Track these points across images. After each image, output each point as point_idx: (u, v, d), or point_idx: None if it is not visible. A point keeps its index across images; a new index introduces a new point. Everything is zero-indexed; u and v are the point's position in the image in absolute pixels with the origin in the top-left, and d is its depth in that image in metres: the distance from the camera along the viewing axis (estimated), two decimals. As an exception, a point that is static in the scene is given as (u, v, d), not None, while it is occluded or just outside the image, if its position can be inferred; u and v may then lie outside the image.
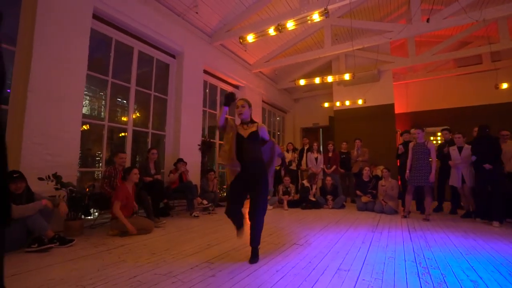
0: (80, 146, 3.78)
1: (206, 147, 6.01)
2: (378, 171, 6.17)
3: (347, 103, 8.24)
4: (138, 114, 5.36)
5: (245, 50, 7.15)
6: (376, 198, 5.53)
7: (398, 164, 5.72)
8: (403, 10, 7.53)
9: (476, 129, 4.81)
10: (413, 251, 2.72)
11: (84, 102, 3.94)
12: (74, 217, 3.28)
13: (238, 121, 2.60)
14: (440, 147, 5.33)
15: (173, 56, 5.62)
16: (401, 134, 5.88)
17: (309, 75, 8.58)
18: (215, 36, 6.17)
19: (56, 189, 3.13)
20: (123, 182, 3.52)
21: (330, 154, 6.57)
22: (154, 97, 5.23)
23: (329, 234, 3.40)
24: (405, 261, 2.41)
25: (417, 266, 2.29)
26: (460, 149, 4.78)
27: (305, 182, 6.05)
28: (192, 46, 5.74)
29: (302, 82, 7.06)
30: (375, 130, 7.98)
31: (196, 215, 4.52)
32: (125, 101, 5.07)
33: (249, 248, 2.42)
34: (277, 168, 6.76)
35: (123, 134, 4.99)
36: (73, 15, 3.62)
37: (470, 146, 4.55)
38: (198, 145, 5.85)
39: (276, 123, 10.31)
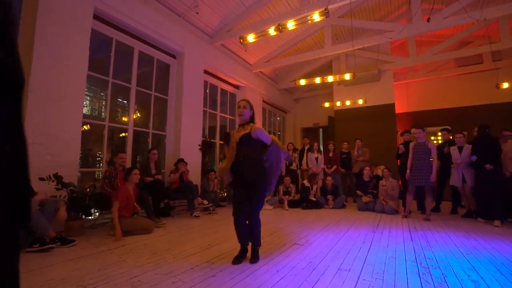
0: (80, 146, 3.78)
1: (207, 147, 6.01)
2: (379, 171, 6.17)
3: (348, 103, 8.23)
4: (138, 114, 5.37)
5: (246, 50, 7.14)
6: (376, 198, 5.52)
7: (399, 164, 5.71)
8: (404, 9, 7.52)
9: (476, 129, 4.81)
10: (414, 251, 2.72)
11: (84, 102, 3.94)
12: (75, 217, 3.29)
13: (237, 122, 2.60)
14: (439, 147, 5.33)
15: (174, 56, 5.62)
16: (402, 134, 5.88)
17: (309, 75, 8.57)
18: (215, 36, 6.17)
19: (57, 189, 3.14)
20: (124, 183, 3.52)
21: (330, 154, 6.56)
22: (154, 97, 5.23)
23: (329, 234, 3.40)
24: (406, 261, 2.41)
25: (418, 266, 2.28)
26: (460, 149, 4.77)
27: (306, 182, 6.05)
28: (193, 46, 5.74)
29: (302, 82, 7.06)
30: (376, 130, 7.97)
31: (197, 215, 4.52)
32: (125, 101, 5.08)
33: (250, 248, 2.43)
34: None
35: (123, 134, 5.00)
36: (74, 14, 3.63)
37: (471, 146, 4.55)
38: (199, 145, 5.85)
39: (277, 123, 10.31)
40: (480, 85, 7.90)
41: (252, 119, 2.50)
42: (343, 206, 5.87)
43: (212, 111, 6.84)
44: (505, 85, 6.89)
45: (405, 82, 8.98)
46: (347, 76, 6.68)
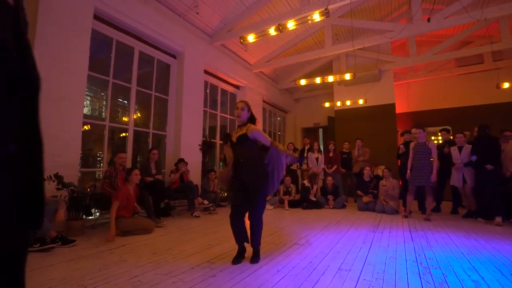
0: (81, 146, 3.78)
1: (207, 147, 6.01)
2: (379, 171, 6.17)
3: (348, 103, 8.23)
4: (139, 114, 5.37)
5: (246, 50, 7.14)
6: (377, 198, 5.52)
7: (399, 164, 5.71)
8: (404, 9, 7.52)
9: (476, 129, 4.81)
10: (414, 251, 2.72)
11: (85, 102, 3.95)
12: (76, 217, 3.29)
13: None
14: (440, 147, 5.33)
15: (174, 56, 5.62)
16: (402, 134, 5.87)
17: (309, 75, 8.57)
18: (215, 36, 6.17)
19: (58, 189, 3.14)
20: (125, 183, 3.52)
21: (331, 154, 6.56)
22: (155, 97, 5.23)
23: (330, 234, 3.40)
24: (406, 261, 2.41)
25: (418, 266, 2.28)
26: (460, 149, 4.77)
27: (306, 182, 6.05)
28: (193, 46, 5.74)
29: (302, 82, 7.06)
30: (376, 130, 7.97)
31: (197, 215, 4.53)
32: (126, 102, 5.08)
33: (250, 248, 2.42)
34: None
35: (124, 134, 5.00)
36: (74, 15, 3.63)
37: (471, 146, 4.55)
38: (199, 145, 5.86)
39: (277, 123, 10.31)
40: (481, 85, 7.89)
41: (250, 120, 2.51)
42: (344, 206, 5.87)
43: (213, 111, 6.84)
44: (506, 85, 6.88)
45: (405, 82, 8.98)
46: (347, 76, 6.68)
